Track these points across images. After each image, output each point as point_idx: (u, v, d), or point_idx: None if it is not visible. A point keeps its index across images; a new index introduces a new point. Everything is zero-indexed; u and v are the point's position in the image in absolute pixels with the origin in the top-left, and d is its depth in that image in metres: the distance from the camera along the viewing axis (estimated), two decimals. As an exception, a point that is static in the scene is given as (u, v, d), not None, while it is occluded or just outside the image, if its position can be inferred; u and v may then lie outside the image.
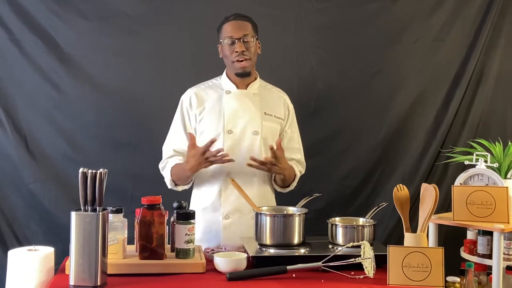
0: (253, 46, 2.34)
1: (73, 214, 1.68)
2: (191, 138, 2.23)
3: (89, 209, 1.69)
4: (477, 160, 2.45)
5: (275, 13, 3.07)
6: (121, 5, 2.98)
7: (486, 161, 2.43)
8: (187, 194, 2.47)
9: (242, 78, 2.39)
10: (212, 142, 2.17)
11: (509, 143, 2.54)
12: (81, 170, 1.70)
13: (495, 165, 2.44)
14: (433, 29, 3.13)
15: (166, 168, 2.37)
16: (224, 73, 2.45)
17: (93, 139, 2.97)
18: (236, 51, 2.31)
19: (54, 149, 2.96)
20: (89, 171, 1.70)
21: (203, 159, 2.19)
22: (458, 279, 2.19)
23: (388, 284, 1.78)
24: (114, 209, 1.87)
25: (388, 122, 3.13)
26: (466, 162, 2.55)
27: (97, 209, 1.69)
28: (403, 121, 3.14)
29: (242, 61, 2.32)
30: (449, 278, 2.16)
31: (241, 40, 2.32)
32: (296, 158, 2.47)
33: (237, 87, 2.41)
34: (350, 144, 3.13)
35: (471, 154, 2.52)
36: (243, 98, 2.39)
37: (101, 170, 1.71)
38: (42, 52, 2.93)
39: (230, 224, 2.35)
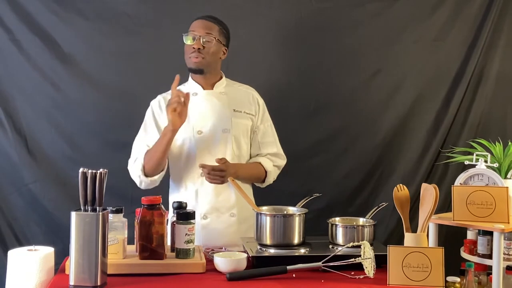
0: (212, 47, 2.36)
1: (73, 214, 1.68)
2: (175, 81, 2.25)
3: (89, 209, 1.69)
4: (477, 160, 2.45)
5: (275, 13, 3.07)
6: (121, 5, 2.98)
7: (486, 161, 2.43)
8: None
9: (197, 74, 2.41)
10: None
11: (509, 143, 2.54)
12: (81, 170, 1.71)
13: (495, 165, 2.44)
14: (433, 29, 3.13)
15: (137, 160, 2.35)
16: (190, 77, 2.47)
17: (93, 139, 2.97)
18: (193, 48, 2.34)
19: (54, 149, 2.96)
20: (89, 171, 1.70)
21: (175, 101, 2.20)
22: (458, 279, 2.19)
23: (388, 284, 1.78)
24: (114, 209, 1.87)
25: (388, 122, 3.13)
26: (466, 162, 2.55)
27: (97, 209, 1.69)
28: (403, 121, 3.13)
29: (194, 57, 2.35)
30: (449, 278, 2.16)
31: (200, 38, 2.34)
32: (271, 152, 2.48)
33: (203, 88, 2.43)
34: (350, 144, 3.13)
35: (471, 154, 2.51)
36: (210, 98, 2.41)
37: (101, 170, 1.71)
38: (42, 52, 2.93)
39: (209, 224, 2.35)
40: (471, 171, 2.43)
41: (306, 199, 2.20)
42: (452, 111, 3.11)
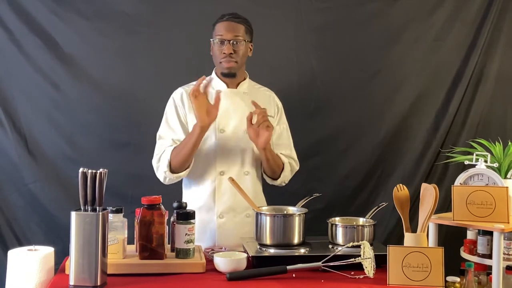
0: (242, 49, 2.35)
1: (73, 214, 1.68)
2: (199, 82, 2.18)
3: (89, 209, 1.69)
4: (477, 160, 2.45)
5: (275, 13, 3.07)
6: (121, 5, 2.98)
7: (486, 161, 2.43)
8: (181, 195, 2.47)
9: (228, 78, 2.40)
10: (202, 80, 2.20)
11: (509, 143, 2.54)
12: (81, 170, 1.70)
13: (495, 165, 2.44)
14: (433, 29, 3.13)
15: (163, 157, 2.30)
16: (214, 72, 2.46)
17: (93, 139, 2.97)
18: (224, 53, 2.33)
19: (54, 149, 2.96)
20: (89, 171, 1.70)
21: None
22: (458, 279, 2.19)
23: (388, 284, 1.78)
24: (114, 209, 1.87)
25: (388, 122, 3.13)
26: (466, 162, 2.55)
27: (97, 209, 1.69)
28: (403, 121, 3.14)
29: (227, 63, 2.33)
30: (449, 278, 2.16)
31: (230, 42, 2.33)
32: (285, 153, 2.47)
33: (228, 86, 2.42)
34: (350, 144, 3.13)
35: (471, 154, 2.52)
36: (234, 97, 2.40)
37: (101, 170, 1.71)
38: (42, 52, 2.93)
39: (225, 223, 2.35)
40: (471, 171, 2.43)
41: (306, 199, 2.20)
42: (452, 111, 3.11)
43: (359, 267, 1.85)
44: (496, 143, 2.56)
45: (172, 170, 2.29)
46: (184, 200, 2.42)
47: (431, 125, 3.13)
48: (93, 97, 2.98)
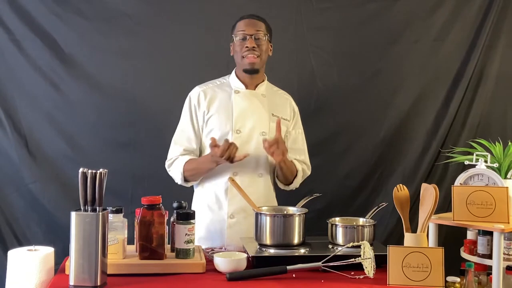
0: (264, 44, 2.36)
1: (73, 214, 1.68)
2: (212, 141, 2.21)
3: (89, 209, 1.69)
4: (477, 160, 2.45)
5: (275, 13, 3.06)
6: (121, 5, 2.98)
7: (486, 161, 2.43)
8: (188, 193, 2.47)
9: (250, 75, 2.39)
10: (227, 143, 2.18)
11: (509, 143, 2.54)
12: (81, 170, 1.70)
13: (495, 165, 2.44)
14: (433, 29, 3.13)
15: (176, 165, 2.37)
16: (233, 72, 2.45)
17: (93, 139, 2.97)
18: (247, 46, 2.32)
19: (54, 149, 2.96)
20: (89, 171, 1.70)
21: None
22: (458, 279, 2.19)
23: (388, 284, 1.78)
24: (114, 209, 1.87)
25: (388, 122, 3.13)
26: (466, 162, 2.55)
27: (97, 209, 1.69)
28: (403, 121, 3.14)
29: (251, 56, 2.32)
30: (449, 278, 2.16)
31: (252, 36, 2.32)
32: (299, 158, 2.48)
33: (246, 87, 2.41)
34: (350, 144, 3.13)
35: (471, 154, 2.52)
36: (252, 98, 2.40)
37: (101, 170, 1.71)
38: (42, 52, 2.94)
39: (235, 224, 2.35)
40: (471, 171, 2.43)
41: (306, 199, 2.20)
42: (452, 111, 3.11)
43: (359, 267, 1.85)
44: (496, 143, 2.56)
45: (186, 180, 2.37)
46: (195, 196, 2.46)
47: (431, 125, 3.13)
48: (93, 97, 2.98)
